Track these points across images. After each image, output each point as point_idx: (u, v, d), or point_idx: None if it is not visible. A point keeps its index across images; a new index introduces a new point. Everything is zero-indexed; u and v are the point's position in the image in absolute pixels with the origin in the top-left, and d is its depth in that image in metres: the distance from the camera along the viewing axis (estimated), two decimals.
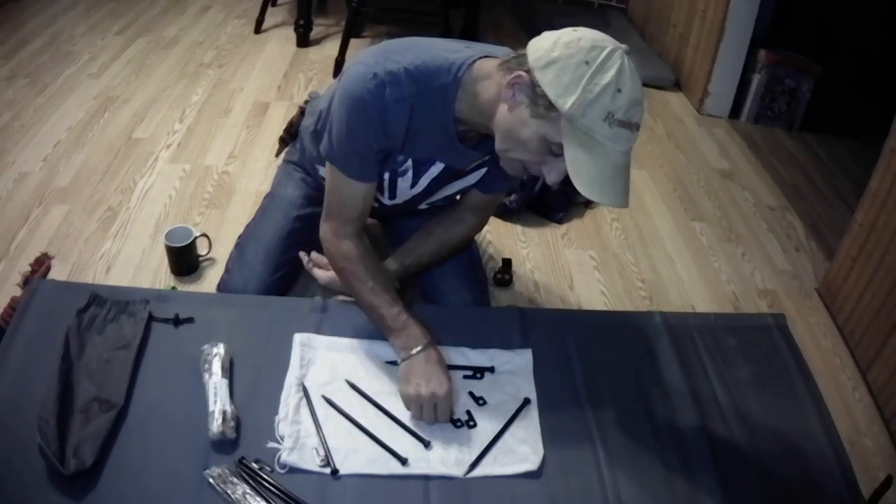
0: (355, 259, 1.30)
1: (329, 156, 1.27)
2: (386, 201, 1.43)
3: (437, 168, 1.33)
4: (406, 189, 1.38)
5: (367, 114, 1.19)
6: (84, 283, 1.52)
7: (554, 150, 1.10)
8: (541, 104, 1.07)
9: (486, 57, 1.19)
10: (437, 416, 1.19)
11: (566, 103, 1.04)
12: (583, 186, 1.06)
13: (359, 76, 1.18)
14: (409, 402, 1.20)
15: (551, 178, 1.13)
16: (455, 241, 1.47)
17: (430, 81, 1.18)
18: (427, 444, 1.17)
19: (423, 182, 1.36)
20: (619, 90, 1.04)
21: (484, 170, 1.37)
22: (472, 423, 1.21)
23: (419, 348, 1.22)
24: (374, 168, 1.27)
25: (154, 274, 1.66)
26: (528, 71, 1.08)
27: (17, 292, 1.43)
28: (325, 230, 1.33)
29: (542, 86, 1.06)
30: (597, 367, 1.35)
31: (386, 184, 1.36)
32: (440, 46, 1.23)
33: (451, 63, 1.18)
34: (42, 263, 1.56)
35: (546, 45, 1.07)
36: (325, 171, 1.32)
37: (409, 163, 1.31)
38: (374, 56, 1.20)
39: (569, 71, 1.04)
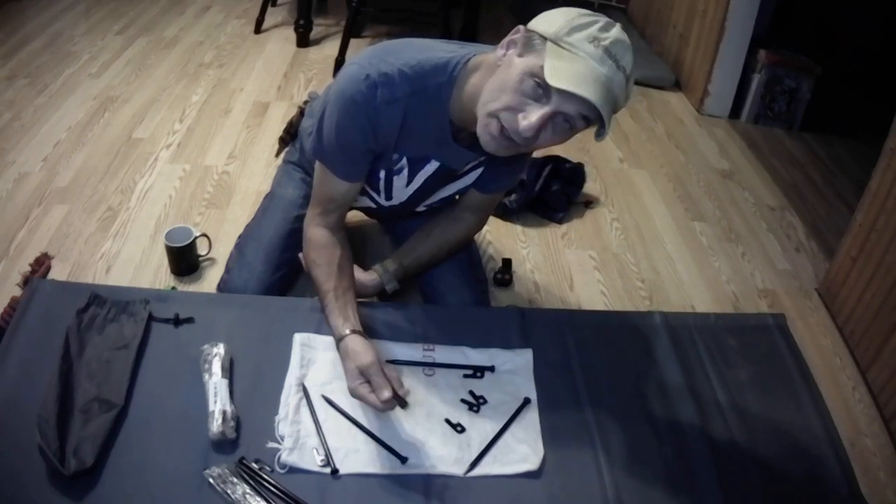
0: (317, 246, 1.31)
1: (317, 152, 1.28)
2: (383, 202, 1.43)
3: (432, 166, 1.33)
4: (402, 188, 1.38)
5: (357, 115, 1.19)
6: (84, 283, 1.52)
7: (534, 94, 1.06)
8: (531, 44, 1.08)
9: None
10: (374, 389, 1.11)
11: (551, 28, 1.06)
12: (559, 82, 1.02)
13: (352, 77, 1.18)
14: (349, 382, 1.16)
15: (527, 121, 1.06)
16: (454, 241, 1.48)
17: (426, 81, 1.18)
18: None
19: (419, 180, 1.36)
20: (606, 30, 1.06)
21: (480, 170, 1.37)
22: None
23: (345, 333, 1.18)
24: (362, 168, 1.28)
25: (154, 274, 1.65)
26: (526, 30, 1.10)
27: (17, 292, 1.43)
28: (307, 213, 1.35)
29: (535, 29, 1.08)
30: (597, 367, 1.36)
31: (382, 183, 1.37)
32: (436, 47, 1.23)
33: (446, 62, 1.18)
34: (42, 263, 1.56)
35: (543, 11, 1.11)
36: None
37: (404, 161, 1.32)
38: (368, 57, 1.20)
39: (561, 15, 1.07)
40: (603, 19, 1.07)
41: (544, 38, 1.06)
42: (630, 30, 3.17)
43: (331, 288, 1.25)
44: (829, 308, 1.80)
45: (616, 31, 1.07)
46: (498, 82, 1.09)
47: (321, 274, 1.28)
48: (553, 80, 1.02)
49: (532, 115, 1.06)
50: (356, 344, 1.16)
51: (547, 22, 1.08)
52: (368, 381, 1.12)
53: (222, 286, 1.50)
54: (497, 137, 1.11)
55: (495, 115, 1.09)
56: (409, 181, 1.36)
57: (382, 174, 1.34)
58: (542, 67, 1.03)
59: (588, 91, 1.02)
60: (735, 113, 2.74)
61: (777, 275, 1.92)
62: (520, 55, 1.09)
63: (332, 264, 1.28)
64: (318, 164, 1.30)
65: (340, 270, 1.28)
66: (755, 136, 2.64)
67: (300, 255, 1.44)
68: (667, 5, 3.01)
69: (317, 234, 1.32)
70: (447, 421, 1.21)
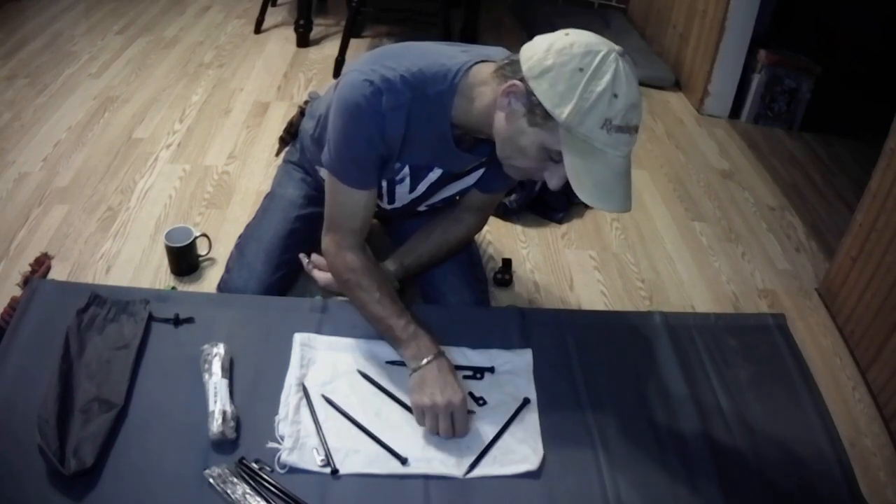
0: (360, 271, 1.29)
1: (329, 165, 1.26)
2: (385, 205, 1.43)
3: (435, 174, 1.33)
4: (405, 194, 1.39)
5: (363, 121, 1.18)
6: (84, 283, 1.53)
7: (554, 157, 1.10)
8: (538, 113, 1.06)
9: (482, 62, 1.19)
10: (455, 426, 1.17)
11: (563, 113, 1.03)
12: (584, 194, 1.07)
13: (354, 84, 1.18)
14: (422, 412, 1.18)
15: (553, 182, 1.14)
16: (454, 241, 1.48)
17: (426, 88, 1.18)
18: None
19: (422, 187, 1.37)
20: (615, 95, 1.03)
21: (482, 170, 1.37)
22: (481, 401, 1.25)
23: (430, 358, 1.21)
24: (374, 175, 1.27)
25: (154, 274, 1.66)
26: (523, 80, 1.07)
27: (17, 292, 1.43)
28: (327, 243, 1.33)
29: (538, 95, 1.05)
30: (597, 367, 1.36)
31: (384, 190, 1.37)
32: (436, 51, 1.22)
33: (447, 69, 1.18)
34: (42, 263, 1.56)
35: (539, 53, 1.06)
36: (325, 172, 1.32)
37: (407, 170, 1.31)
38: (369, 63, 1.20)
39: (563, 79, 1.03)
40: (604, 68, 1.03)
41: (551, 115, 1.05)
42: (630, 30, 3.19)
43: (393, 312, 1.26)
44: (829, 308, 1.80)
45: (623, 92, 1.03)
46: (514, 145, 1.13)
47: (380, 299, 1.27)
48: (579, 190, 1.07)
49: (556, 178, 1.13)
50: (449, 371, 1.21)
51: (550, 88, 1.04)
52: (452, 414, 1.17)
53: (222, 286, 1.50)
54: (523, 176, 1.24)
55: (519, 167, 1.17)
56: (413, 188, 1.37)
57: (385, 183, 1.34)
58: (559, 152, 1.07)
59: (613, 199, 1.08)
60: (735, 113, 2.74)
61: (777, 275, 1.92)
62: (530, 125, 1.08)
63: (381, 288, 1.28)
64: (329, 183, 1.28)
65: (391, 292, 1.31)
66: (755, 136, 2.64)
67: (301, 255, 1.44)
68: (667, 5, 3.01)
69: (351, 258, 1.30)
70: None
